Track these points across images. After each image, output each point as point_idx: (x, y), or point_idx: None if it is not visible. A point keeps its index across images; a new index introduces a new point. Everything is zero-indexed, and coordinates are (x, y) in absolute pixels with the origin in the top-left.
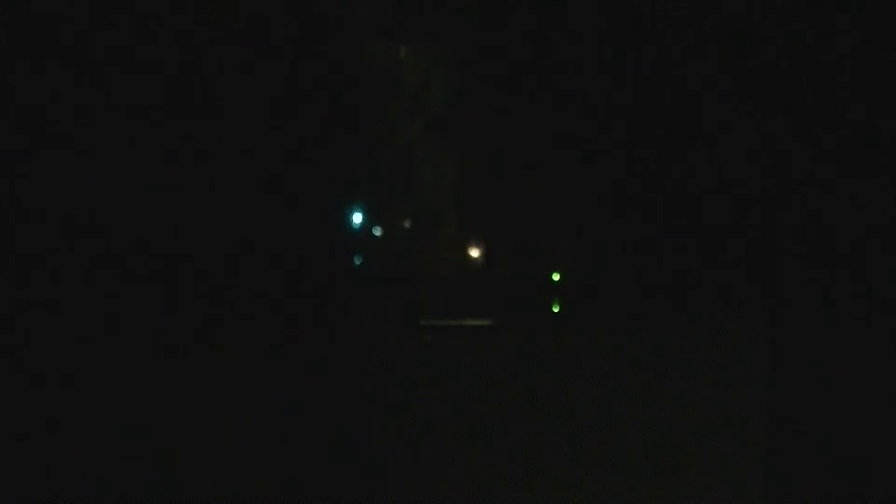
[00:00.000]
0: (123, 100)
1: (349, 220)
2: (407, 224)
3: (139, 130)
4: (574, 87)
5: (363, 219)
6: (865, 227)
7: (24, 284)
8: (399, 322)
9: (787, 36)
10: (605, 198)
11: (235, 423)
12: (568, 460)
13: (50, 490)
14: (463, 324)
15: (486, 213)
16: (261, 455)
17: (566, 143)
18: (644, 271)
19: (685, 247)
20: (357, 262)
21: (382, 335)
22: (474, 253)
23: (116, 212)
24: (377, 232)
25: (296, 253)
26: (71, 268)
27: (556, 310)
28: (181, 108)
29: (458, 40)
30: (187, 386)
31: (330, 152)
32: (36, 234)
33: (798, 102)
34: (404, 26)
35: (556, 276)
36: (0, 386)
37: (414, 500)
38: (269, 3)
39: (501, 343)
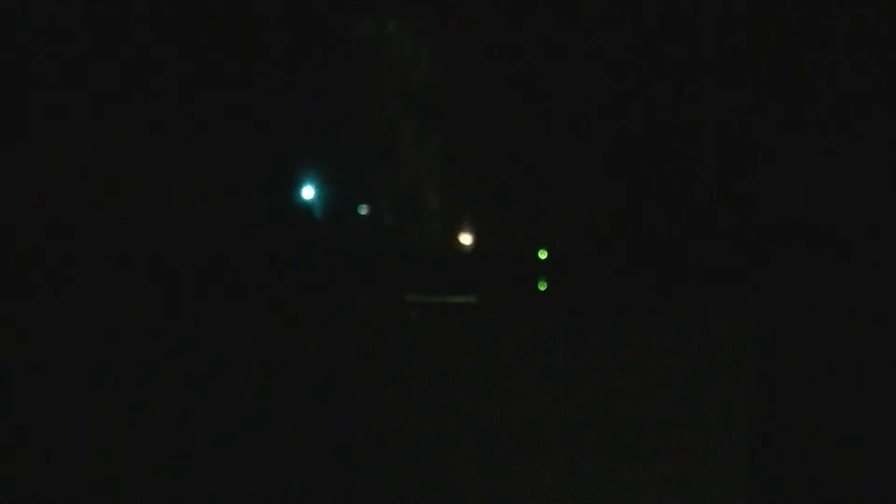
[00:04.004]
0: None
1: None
2: (392, 202)
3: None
4: (560, 64)
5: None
6: (858, 217)
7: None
8: (384, 299)
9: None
10: (593, 177)
11: (223, 406)
12: (551, 441)
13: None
14: (448, 301)
15: (473, 192)
16: (248, 437)
17: (553, 121)
18: (631, 252)
19: (674, 228)
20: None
21: (368, 312)
22: (460, 231)
23: (78, 202)
24: (363, 210)
25: (279, 234)
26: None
27: (542, 288)
28: (156, 90)
29: (444, 18)
30: (176, 376)
31: (314, 131)
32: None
33: (787, 85)
34: (390, 4)
35: (542, 255)
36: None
37: (399, 477)
38: None
39: (486, 321)
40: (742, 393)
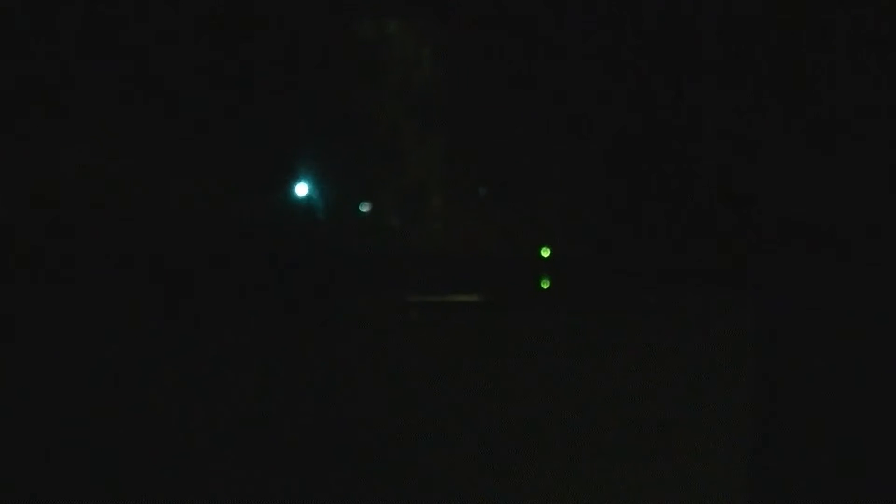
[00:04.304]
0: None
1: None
2: (393, 201)
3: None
4: (562, 63)
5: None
6: (857, 215)
7: None
8: (385, 299)
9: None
10: (593, 177)
11: (223, 406)
12: (551, 441)
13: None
14: (450, 300)
15: (474, 191)
16: (247, 437)
17: (554, 121)
18: (631, 252)
19: (674, 228)
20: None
21: (369, 312)
22: (461, 230)
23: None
24: (364, 209)
25: (279, 233)
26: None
27: (545, 286)
28: (158, 90)
29: (444, 18)
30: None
31: (315, 130)
32: None
33: (788, 85)
34: (391, 4)
35: (545, 253)
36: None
37: (400, 477)
38: None
39: (487, 319)
40: (742, 393)
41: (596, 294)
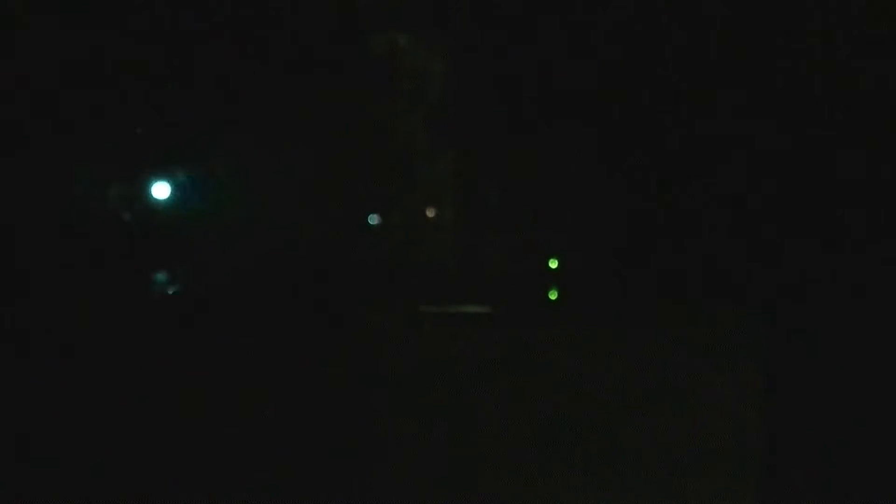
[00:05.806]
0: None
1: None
2: (405, 213)
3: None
4: (571, 77)
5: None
6: (862, 224)
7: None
8: (397, 310)
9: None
10: (603, 189)
11: (236, 414)
12: (561, 453)
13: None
14: (461, 311)
15: (485, 202)
16: (259, 445)
17: (563, 135)
18: (640, 265)
19: (682, 240)
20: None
21: (381, 323)
22: (471, 240)
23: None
24: (374, 221)
25: (295, 244)
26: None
27: (553, 297)
28: (180, 107)
29: (456, 32)
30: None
31: (330, 144)
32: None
33: (793, 97)
34: (404, 17)
35: (553, 264)
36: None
37: (408, 489)
38: None
39: (499, 331)
40: (749, 397)
41: (602, 302)
